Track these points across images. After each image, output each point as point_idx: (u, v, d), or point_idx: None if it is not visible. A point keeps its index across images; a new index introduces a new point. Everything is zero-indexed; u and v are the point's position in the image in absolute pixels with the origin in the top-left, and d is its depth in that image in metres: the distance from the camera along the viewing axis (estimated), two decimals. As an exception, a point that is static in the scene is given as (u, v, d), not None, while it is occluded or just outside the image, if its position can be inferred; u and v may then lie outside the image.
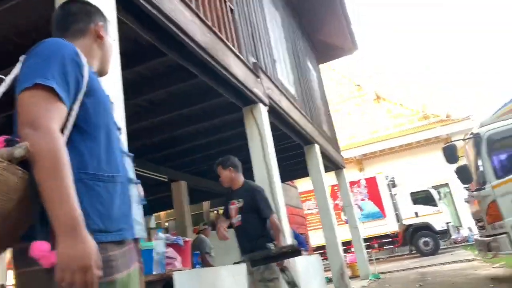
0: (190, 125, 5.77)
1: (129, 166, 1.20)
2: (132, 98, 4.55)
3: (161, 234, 2.85)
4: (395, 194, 13.76)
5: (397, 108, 19.76)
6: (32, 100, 0.98)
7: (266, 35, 6.17)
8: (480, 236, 6.13)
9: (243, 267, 3.30)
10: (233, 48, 4.33)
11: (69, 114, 1.04)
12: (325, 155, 8.34)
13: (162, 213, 12.58)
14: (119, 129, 1.25)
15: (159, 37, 3.15)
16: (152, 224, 10.86)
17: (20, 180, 0.93)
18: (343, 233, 10.87)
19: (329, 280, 7.50)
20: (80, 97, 1.07)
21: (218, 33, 3.98)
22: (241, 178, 3.46)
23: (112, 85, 1.95)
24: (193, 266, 3.40)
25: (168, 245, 3.22)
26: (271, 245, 3.17)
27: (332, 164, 9.35)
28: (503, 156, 5.63)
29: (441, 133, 17.61)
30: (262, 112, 4.87)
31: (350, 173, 16.90)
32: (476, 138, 5.68)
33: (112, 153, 1.12)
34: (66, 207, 0.90)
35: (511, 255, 5.48)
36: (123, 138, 1.33)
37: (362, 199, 13.68)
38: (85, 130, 1.07)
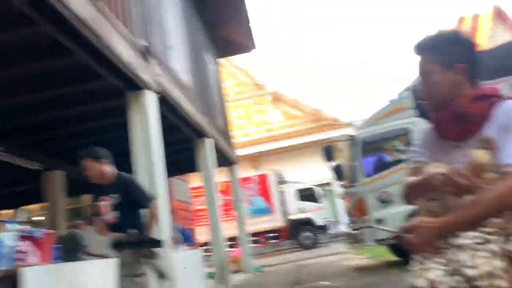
0: (69, 107, 5.26)
1: None
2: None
3: (11, 226, 2.51)
4: (284, 191, 14.47)
5: (292, 110, 20.80)
6: None
7: (162, 20, 5.92)
8: (351, 230, 6.74)
9: (111, 261, 3.09)
10: (121, 27, 4.04)
11: None
12: (218, 150, 8.35)
13: (36, 206, 11.36)
14: None
15: (30, 3, 2.78)
16: (22, 217, 9.75)
17: None
18: (231, 228, 11.09)
19: (211, 276, 7.53)
20: None
21: (104, 8, 3.67)
22: (113, 171, 3.19)
23: None
24: (53, 261, 3.07)
25: (24, 238, 2.86)
26: (135, 231, 2.99)
27: (225, 160, 9.40)
28: (373, 158, 6.27)
29: (329, 136, 19.02)
30: (150, 100, 4.62)
31: (246, 170, 17.33)
32: (352, 140, 6.22)
33: None
34: None
35: (374, 247, 6.12)
36: None
37: (253, 195, 14.09)
38: None
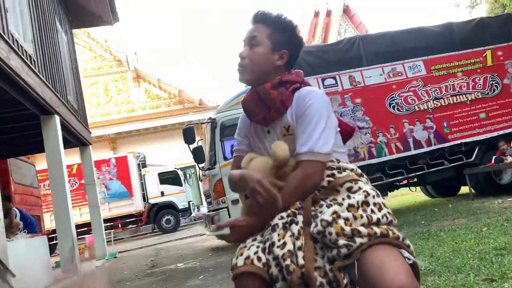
0: None
1: None
2: None
3: None
4: (145, 174, 14.03)
5: (156, 90, 20.14)
6: None
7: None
8: (208, 212, 6.90)
9: None
10: None
11: None
12: (68, 129, 7.62)
13: None
14: None
15: None
16: None
17: None
18: (86, 214, 10.34)
19: (59, 264, 6.93)
20: None
21: None
22: None
23: None
24: None
25: None
26: None
27: (77, 140, 8.66)
28: (231, 141, 6.47)
29: (194, 119, 19.03)
30: (-22, 67, 3.96)
31: (103, 152, 16.24)
32: (212, 123, 6.32)
33: None
34: None
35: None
36: None
37: (110, 179, 13.34)
38: None
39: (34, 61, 6.19)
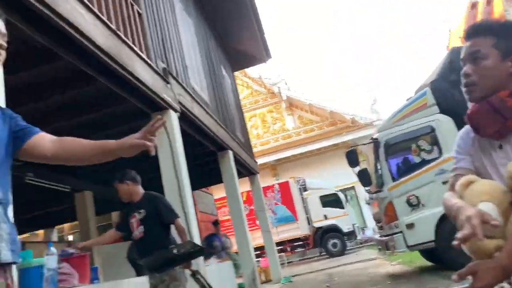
0: (95, 132, 5.43)
1: None
2: (29, 103, 4.17)
3: (53, 249, 2.62)
4: (306, 198, 14.39)
5: (308, 115, 20.77)
6: None
7: (177, 40, 6.07)
8: (380, 236, 6.65)
9: (145, 280, 3.18)
10: (140, 52, 4.18)
11: None
12: (239, 161, 8.44)
13: (66, 226, 11.67)
14: None
15: (55, 40, 2.91)
16: (54, 237, 10.01)
17: None
18: (258, 238, 11.11)
19: (242, 286, 7.56)
20: None
21: (123, 37, 3.81)
22: (140, 190, 3.37)
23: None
24: (92, 282, 3.18)
25: (64, 259, 2.97)
26: (173, 249, 3.09)
27: (246, 170, 9.49)
28: (398, 160, 6.17)
29: (348, 139, 18.89)
30: (173, 118, 4.76)
31: (265, 179, 17.38)
32: (375, 143, 6.16)
33: None
34: None
35: (406, 253, 5.99)
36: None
37: (276, 204, 14.08)
38: None
39: (209, 105, 7.13)
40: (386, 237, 5.90)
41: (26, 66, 3.59)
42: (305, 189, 14.89)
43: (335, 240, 13.61)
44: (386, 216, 5.88)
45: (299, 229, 13.95)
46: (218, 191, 13.75)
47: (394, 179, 5.86)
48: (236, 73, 19.75)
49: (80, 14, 2.96)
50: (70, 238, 11.96)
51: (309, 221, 14.08)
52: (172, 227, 3.30)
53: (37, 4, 2.42)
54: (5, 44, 1.27)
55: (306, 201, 14.29)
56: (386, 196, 5.86)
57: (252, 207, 13.10)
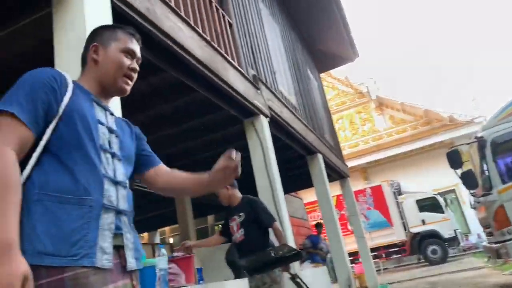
0: (191, 139, 5.77)
1: (111, 191, 1.15)
2: (133, 116, 4.56)
3: (164, 250, 2.83)
4: (401, 202, 13.66)
5: (400, 114, 19.71)
6: None
7: (265, 47, 6.21)
8: (489, 243, 6.05)
9: (246, 281, 3.27)
10: (232, 61, 4.35)
11: (40, 137, 1.07)
12: (328, 165, 8.31)
13: (166, 229, 12.52)
14: (113, 154, 1.22)
15: (158, 55, 3.16)
16: (157, 239, 10.80)
17: None
18: (350, 244, 10.81)
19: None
20: (54, 121, 1.10)
21: (217, 48, 4.00)
22: (238, 194, 3.48)
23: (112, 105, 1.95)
24: (197, 282, 3.36)
25: (171, 260, 3.19)
26: (271, 251, 3.14)
27: (336, 174, 9.30)
28: (508, 160, 5.58)
29: (445, 138, 17.54)
30: (263, 123, 4.87)
31: (356, 182, 16.84)
32: (480, 142, 5.64)
33: (85, 176, 1.09)
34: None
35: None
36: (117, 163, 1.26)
37: (368, 208, 13.59)
38: (55, 153, 1.08)
39: (297, 109, 7.15)
40: (497, 244, 5.34)
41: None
42: (399, 193, 14.14)
43: (435, 247, 12.68)
44: (497, 221, 5.33)
45: (395, 235, 13.27)
46: (308, 195, 13.70)
47: (504, 181, 5.31)
48: (322, 75, 19.64)
49: (180, 29, 3.17)
50: (171, 240, 12.82)
51: (405, 226, 13.32)
52: (270, 231, 3.35)
53: (145, 23, 2.65)
54: (138, 69, 1.40)
55: (401, 206, 13.56)
56: (495, 200, 5.31)
57: (342, 212, 12.81)
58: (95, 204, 1.08)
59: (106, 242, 1.08)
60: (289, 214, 10.04)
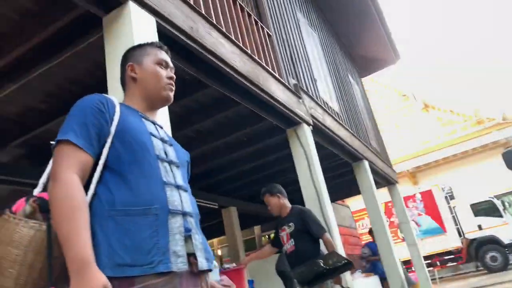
0: (235, 151, 5.84)
1: (174, 196, 1.20)
2: (180, 130, 4.70)
3: (215, 262, 2.87)
4: (454, 207, 13.03)
5: (448, 115, 18.91)
6: (54, 157, 1.12)
7: (305, 56, 6.20)
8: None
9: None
10: (273, 72, 4.38)
11: (99, 157, 1.14)
12: (375, 171, 8.10)
13: (214, 240, 12.67)
14: (170, 162, 1.27)
15: (202, 70, 3.25)
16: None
17: (38, 233, 1.04)
18: (401, 252, 10.43)
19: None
20: (109, 140, 1.16)
21: (258, 60, 4.05)
22: (288, 204, 3.47)
23: (159, 121, 2.03)
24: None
25: (223, 272, 3.23)
26: (320, 261, 3.08)
27: (384, 180, 9.05)
28: None
29: (499, 138, 16.61)
30: (306, 132, 4.85)
31: (404, 188, 16.27)
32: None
33: (146, 186, 1.14)
34: (76, 248, 0.98)
35: None
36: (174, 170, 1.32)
37: (419, 214, 13.07)
38: (115, 169, 1.15)
39: (340, 116, 7.06)
40: None
41: (179, 96, 4.07)
42: (452, 197, 13.50)
43: (494, 253, 11.93)
44: None
45: (449, 242, 12.64)
46: (355, 203, 13.39)
47: None
48: (364, 79, 19.36)
49: (221, 44, 3.24)
50: (220, 252, 12.95)
51: (460, 232, 12.68)
52: (321, 241, 3.31)
53: (188, 41, 2.74)
54: (174, 76, 1.47)
55: (454, 211, 12.93)
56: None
57: (392, 219, 12.39)
58: (160, 211, 1.13)
59: (178, 245, 1.13)
60: (336, 223, 9.88)
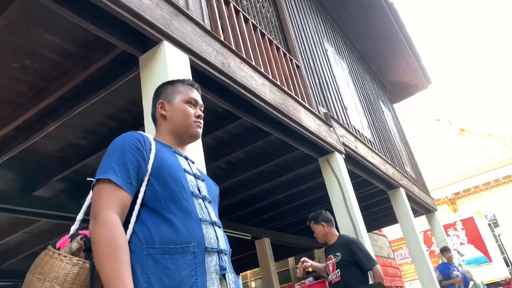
0: (267, 181, 5.83)
1: (210, 233, 1.21)
2: (212, 162, 4.77)
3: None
4: (500, 235, 12.34)
5: (486, 139, 18.22)
6: (94, 195, 1.14)
7: (334, 84, 6.22)
8: None
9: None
10: (302, 102, 4.41)
11: (136, 196, 1.16)
12: (412, 198, 7.84)
13: (248, 272, 12.48)
14: (203, 198, 1.29)
15: (233, 103, 3.31)
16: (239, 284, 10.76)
17: (81, 270, 1.05)
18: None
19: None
20: (146, 178, 1.19)
21: (287, 91, 4.09)
22: (335, 232, 3.41)
23: (194, 154, 2.07)
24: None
25: (305, 287, 3.18)
26: None
27: (422, 208, 8.73)
28: None
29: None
30: (339, 160, 4.79)
31: (443, 215, 15.63)
32: None
33: (184, 224, 1.15)
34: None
35: None
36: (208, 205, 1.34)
37: (461, 243, 12.45)
38: (152, 207, 1.16)
39: (373, 143, 6.95)
40: None
41: (211, 129, 4.15)
42: (496, 225, 12.81)
43: (549, 285, 11.13)
44: None
45: (495, 272, 11.91)
46: (393, 232, 12.93)
47: None
48: (396, 105, 19.10)
49: (252, 77, 3.31)
50: (253, 284, 12.71)
51: (507, 262, 11.93)
52: (369, 273, 3.20)
53: (220, 76, 2.82)
54: (203, 114, 1.51)
55: (500, 239, 12.23)
56: None
57: (432, 249, 11.85)
58: (198, 249, 1.14)
59: (214, 285, 1.14)
60: (374, 253, 9.55)
